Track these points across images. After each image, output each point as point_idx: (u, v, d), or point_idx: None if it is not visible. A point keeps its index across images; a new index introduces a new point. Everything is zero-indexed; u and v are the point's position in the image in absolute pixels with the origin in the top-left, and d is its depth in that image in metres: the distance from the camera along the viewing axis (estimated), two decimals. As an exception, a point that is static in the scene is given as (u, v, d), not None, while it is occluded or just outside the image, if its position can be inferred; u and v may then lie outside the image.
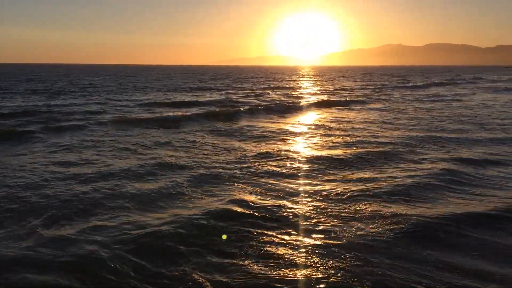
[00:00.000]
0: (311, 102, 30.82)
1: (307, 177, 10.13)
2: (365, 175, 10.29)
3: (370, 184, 9.41)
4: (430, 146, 13.89)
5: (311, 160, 11.81)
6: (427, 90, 47.07)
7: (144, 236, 6.58)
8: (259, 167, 11.05)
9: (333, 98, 33.97)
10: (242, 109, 25.02)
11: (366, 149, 13.17)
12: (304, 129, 18.05)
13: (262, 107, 26.10)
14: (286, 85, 56.12)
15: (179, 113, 22.63)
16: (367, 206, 8.04)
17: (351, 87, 51.46)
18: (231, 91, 42.70)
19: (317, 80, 76.16)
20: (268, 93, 40.36)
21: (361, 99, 33.58)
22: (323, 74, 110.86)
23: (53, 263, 5.77)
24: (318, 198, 8.48)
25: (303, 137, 15.88)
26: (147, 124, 19.10)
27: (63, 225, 7.11)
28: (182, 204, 8.21)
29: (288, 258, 5.97)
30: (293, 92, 42.31)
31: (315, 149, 13.38)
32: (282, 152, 12.85)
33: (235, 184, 9.50)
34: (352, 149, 13.31)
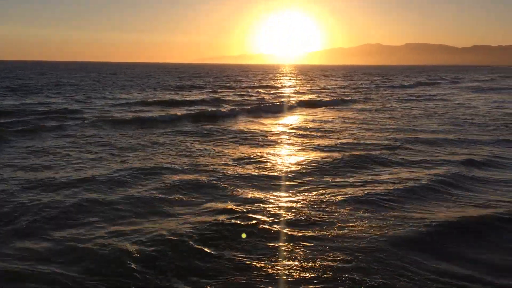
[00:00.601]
0: (298, 101, 30.38)
1: (295, 182, 9.67)
2: (353, 179, 9.91)
3: (360, 189, 9.02)
4: (427, 148, 13.62)
5: (297, 164, 11.36)
6: (414, 90, 47.27)
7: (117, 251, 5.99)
8: (243, 172, 10.52)
9: (321, 98, 33.62)
10: (225, 109, 24.48)
11: (357, 152, 12.77)
12: (291, 131, 17.57)
13: (248, 107, 25.49)
14: (270, 84, 55.67)
15: (161, 113, 21.93)
16: (354, 211, 7.70)
17: (336, 86, 51.33)
18: (216, 90, 41.99)
19: (301, 79, 75.93)
20: (253, 92, 39.89)
21: (348, 98, 33.34)
22: (307, 73, 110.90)
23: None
24: (308, 205, 8.01)
25: (292, 140, 15.39)
26: (128, 125, 18.37)
27: (32, 235, 6.52)
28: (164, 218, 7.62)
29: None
30: (278, 91, 41.88)
31: (305, 152, 12.93)
32: (269, 157, 12.34)
33: (219, 191, 8.97)
34: (345, 152, 12.89)
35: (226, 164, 11.19)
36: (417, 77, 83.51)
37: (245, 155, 12.41)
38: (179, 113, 21.87)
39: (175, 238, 6.40)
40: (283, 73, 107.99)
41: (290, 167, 10.89)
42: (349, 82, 64.90)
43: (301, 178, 9.97)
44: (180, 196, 8.55)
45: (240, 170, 10.58)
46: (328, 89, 46.65)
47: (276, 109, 25.89)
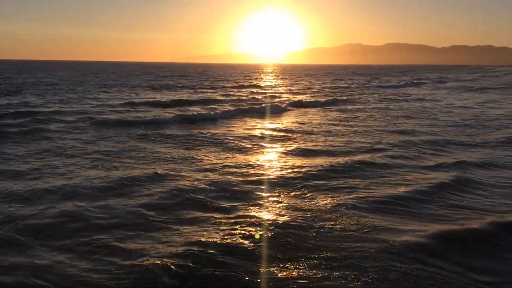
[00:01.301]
0: (291, 102, 29.32)
1: (286, 189, 8.60)
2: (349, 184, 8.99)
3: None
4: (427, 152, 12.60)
5: (287, 169, 10.25)
6: (405, 89, 46.47)
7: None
8: (231, 179, 9.40)
9: (316, 99, 32.49)
10: (218, 111, 23.23)
11: (354, 157, 11.66)
12: (282, 133, 16.43)
13: (237, 109, 24.17)
14: (258, 84, 54.46)
15: (145, 115, 20.56)
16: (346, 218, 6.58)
17: (326, 86, 50.45)
18: (205, 90, 40.59)
19: (288, 79, 74.91)
20: (244, 92, 38.70)
21: (340, 98, 32.38)
22: (293, 73, 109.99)
23: None
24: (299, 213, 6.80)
25: (280, 143, 14.22)
26: (111, 127, 16.88)
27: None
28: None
29: None
30: (268, 91, 40.65)
31: (295, 157, 11.72)
32: (261, 162, 11.17)
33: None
34: (348, 156, 11.74)
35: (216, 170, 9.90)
36: (403, 77, 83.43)
37: (237, 161, 11.17)
38: (166, 115, 20.45)
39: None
40: (268, 73, 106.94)
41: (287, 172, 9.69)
42: (338, 82, 64.21)
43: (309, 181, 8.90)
44: (168, 210, 7.44)
45: (231, 178, 9.34)
46: (318, 89, 45.67)
47: (271, 110, 24.68)
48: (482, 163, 11.27)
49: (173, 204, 7.92)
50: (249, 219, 7.13)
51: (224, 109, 24.19)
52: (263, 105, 26.46)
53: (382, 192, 8.69)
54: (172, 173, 10.05)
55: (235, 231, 6.62)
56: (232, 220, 7.14)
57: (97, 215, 7.27)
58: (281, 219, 7.16)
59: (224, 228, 6.81)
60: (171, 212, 7.56)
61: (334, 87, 49.93)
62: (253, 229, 6.70)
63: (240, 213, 7.50)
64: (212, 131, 16.77)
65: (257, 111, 23.97)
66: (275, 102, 29.19)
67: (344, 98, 33.30)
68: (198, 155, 12.19)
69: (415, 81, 61.14)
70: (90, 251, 5.99)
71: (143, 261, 5.60)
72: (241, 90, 42.89)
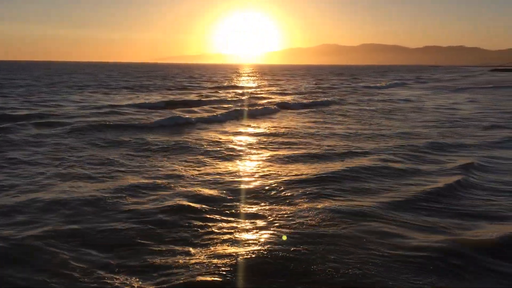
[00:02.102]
0: (278, 103, 28.30)
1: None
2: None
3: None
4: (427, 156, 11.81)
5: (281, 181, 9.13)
6: (389, 90, 46.21)
7: None
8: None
9: (303, 100, 31.57)
10: (197, 116, 21.98)
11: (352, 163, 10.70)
12: (262, 138, 15.30)
13: (219, 115, 22.15)
14: (240, 85, 53.36)
15: (124, 119, 19.22)
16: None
17: (310, 87, 49.76)
18: (188, 92, 39.21)
19: (269, 79, 74.02)
20: (226, 94, 37.46)
21: (325, 100, 31.60)
22: (274, 73, 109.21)
23: None
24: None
25: (264, 149, 13.12)
26: (80, 132, 15.42)
27: None
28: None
29: None
30: (253, 92, 39.64)
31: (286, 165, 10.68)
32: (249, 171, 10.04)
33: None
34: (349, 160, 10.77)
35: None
36: (383, 77, 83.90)
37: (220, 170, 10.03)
38: (148, 120, 19.08)
39: None
40: (249, 73, 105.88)
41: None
42: (322, 82, 63.72)
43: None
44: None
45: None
46: (302, 90, 44.88)
47: (259, 113, 23.65)
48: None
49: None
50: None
51: (212, 113, 22.98)
52: (255, 108, 25.32)
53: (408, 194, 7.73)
54: (172, 183, 8.86)
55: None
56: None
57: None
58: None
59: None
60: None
61: (321, 87, 49.34)
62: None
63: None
64: (194, 136, 15.52)
65: (249, 114, 22.87)
66: (265, 104, 28.18)
67: (336, 99, 32.49)
68: (180, 166, 10.97)
69: (398, 82, 61.19)
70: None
71: None
72: (228, 91, 41.68)
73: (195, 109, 25.08)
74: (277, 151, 12.98)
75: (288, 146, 13.73)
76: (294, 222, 6.97)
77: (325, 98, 32.67)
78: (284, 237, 6.19)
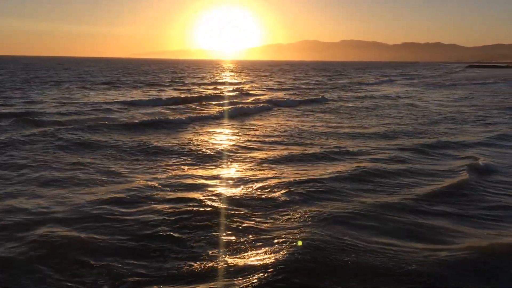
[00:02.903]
0: (269, 100, 27.21)
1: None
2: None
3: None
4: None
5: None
6: (378, 87, 45.60)
7: None
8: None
9: (294, 97, 30.52)
10: (188, 116, 20.73)
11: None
12: (286, 138, 14.19)
13: (211, 115, 20.82)
14: (227, 81, 52.02)
15: (109, 117, 17.89)
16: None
17: (298, 83, 48.76)
18: (177, 88, 37.73)
19: (254, 75, 72.85)
20: (214, 90, 36.13)
21: (315, 97, 30.62)
22: (257, 69, 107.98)
23: None
24: None
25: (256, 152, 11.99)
26: (56, 132, 13.97)
27: None
28: None
29: None
30: (241, 88, 38.38)
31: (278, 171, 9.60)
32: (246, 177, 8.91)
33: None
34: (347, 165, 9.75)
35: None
36: (369, 74, 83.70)
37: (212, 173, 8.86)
38: (137, 119, 17.73)
39: None
40: (232, 69, 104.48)
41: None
42: (307, 78, 62.92)
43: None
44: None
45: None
46: (290, 86, 43.87)
47: (256, 111, 22.51)
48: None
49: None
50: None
51: (204, 112, 21.74)
52: (246, 106, 24.12)
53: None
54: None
55: None
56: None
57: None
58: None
59: None
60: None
61: (310, 83, 48.49)
62: None
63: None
64: (188, 138, 14.26)
65: (241, 112, 21.69)
66: (255, 101, 27.06)
67: (327, 96, 31.54)
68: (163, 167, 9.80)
69: (385, 79, 60.86)
70: None
71: None
72: (217, 87, 40.26)
73: (192, 105, 23.96)
74: (280, 150, 11.83)
75: (301, 145, 12.60)
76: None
77: (321, 95, 31.68)
78: (300, 242, 5.73)
